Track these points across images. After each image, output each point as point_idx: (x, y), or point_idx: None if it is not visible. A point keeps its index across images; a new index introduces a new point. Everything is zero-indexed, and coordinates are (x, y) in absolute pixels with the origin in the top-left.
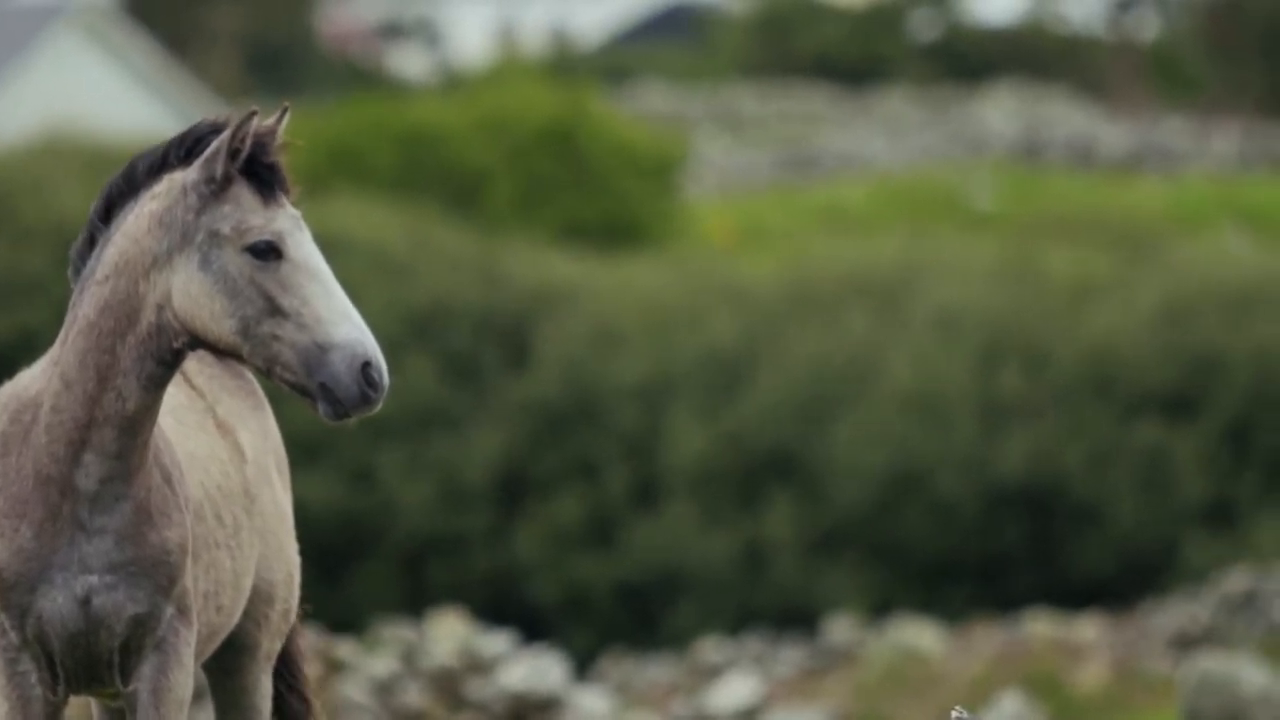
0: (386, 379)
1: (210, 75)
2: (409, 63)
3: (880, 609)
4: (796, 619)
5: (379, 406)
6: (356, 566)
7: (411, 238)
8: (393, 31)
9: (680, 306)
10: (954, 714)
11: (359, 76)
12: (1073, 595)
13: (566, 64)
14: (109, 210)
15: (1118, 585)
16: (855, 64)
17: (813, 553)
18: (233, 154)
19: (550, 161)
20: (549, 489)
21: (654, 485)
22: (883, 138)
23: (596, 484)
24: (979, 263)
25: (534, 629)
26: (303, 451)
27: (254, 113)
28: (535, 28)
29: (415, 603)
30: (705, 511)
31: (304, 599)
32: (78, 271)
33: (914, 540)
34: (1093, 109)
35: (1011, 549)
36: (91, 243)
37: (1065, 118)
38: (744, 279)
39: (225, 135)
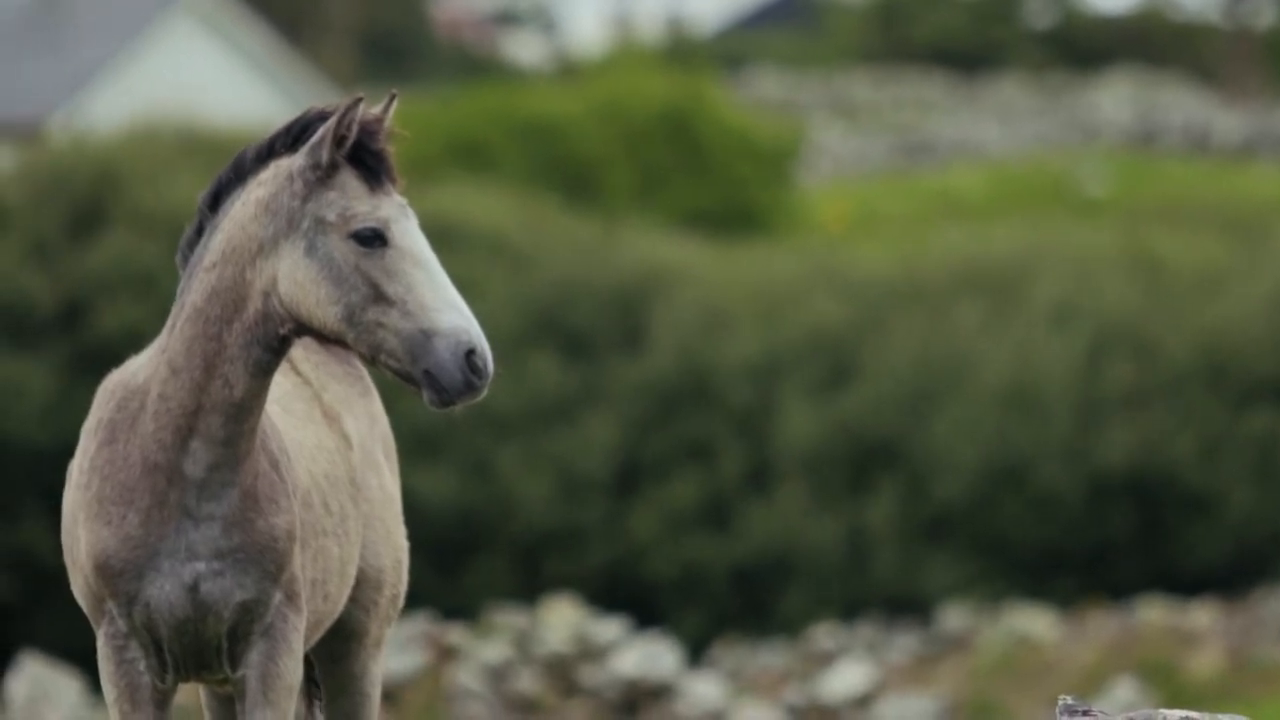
0: (491, 367)
1: (324, 63)
2: (523, 50)
3: (988, 598)
4: (905, 607)
5: (484, 394)
6: (473, 560)
7: (529, 224)
8: (507, 19)
9: (789, 290)
10: (1061, 701)
11: (473, 64)
12: (1184, 583)
13: (681, 51)
14: (217, 198)
15: (1229, 574)
16: (970, 51)
17: (916, 542)
18: (339, 141)
19: (667, 150)
20: (664, 469)
21: (767, 467)
22: (997, 124)
23: (711, 465)
24: (1093, 252)
25: (648, 612)
26: (422, 445)
27: (360, 99)
28: (650, 14)
29: (531, 595)
30: (816, 496)
31: (419, 591)
32: (185, 259)
33: (1017, 531)
34: (1207, 96)
35: (1119, 538)
36: (200, 231)
37: (1180, 105)
38: (853, 265)
39: (331, 122)
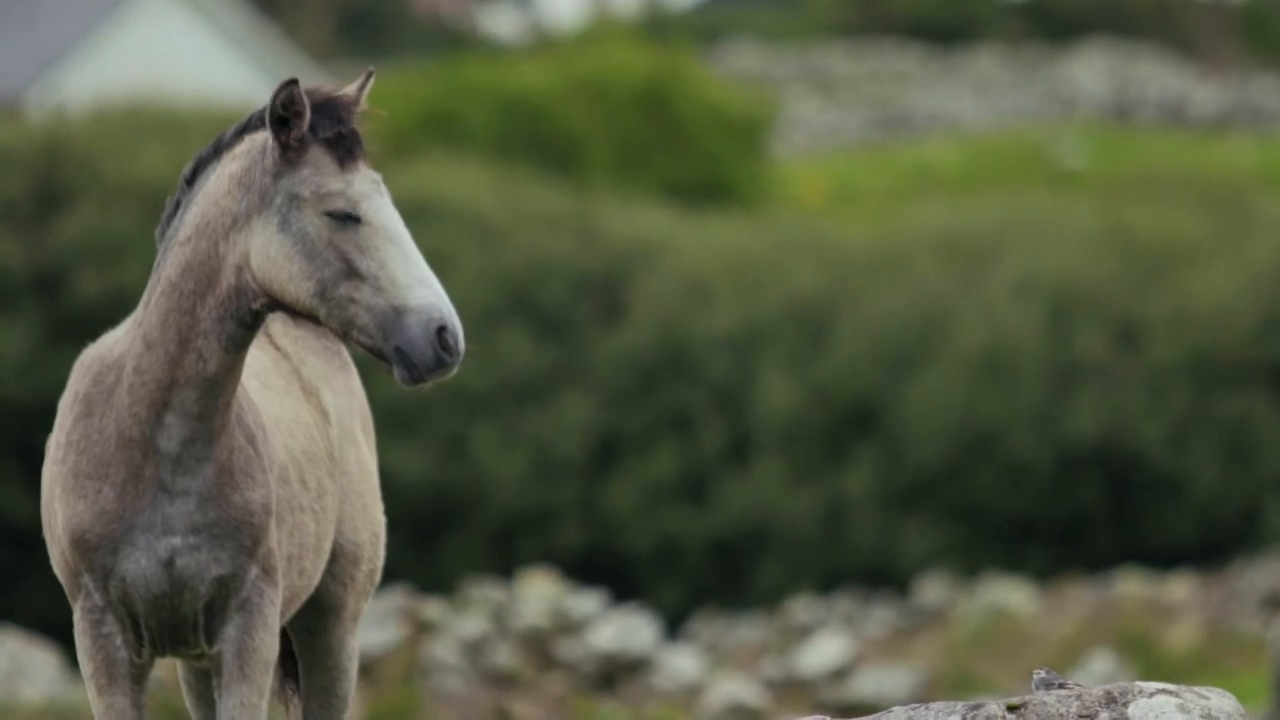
0: (462, 344)
1: (301, 37)
2: (500, 24)
3: (964, 570)
4: (883, 578)
5: (454, 371)
6: (449, 538)
7: (505, 199)
8: None
9: (767, 261)
10: (1036, 675)
11: (450, 38)
12: (1160, 557)
13: (658, 24)
14: (195, 173)
15: (1201, 549)
16: (946, 23)
17: (892, 511)
18: (279, 121)
19: (646, 125)
20: (643, 443)
21: (745, 439)
22: (973, 97)
23: (689, 437)
24: (1070, 226)
25: (625, 585)
26: (397, 424)
27: (294, 81)
28: None
29: (507, 572)
30: (794, 467)
31: (395, 568)
32: (163, 234)
33: (991, 500)
34: (1183, 68)
35: (1091, 511)
36: (179, 206)
37: (1155, 77)
38: (830, 236)
39: (264, 108)
